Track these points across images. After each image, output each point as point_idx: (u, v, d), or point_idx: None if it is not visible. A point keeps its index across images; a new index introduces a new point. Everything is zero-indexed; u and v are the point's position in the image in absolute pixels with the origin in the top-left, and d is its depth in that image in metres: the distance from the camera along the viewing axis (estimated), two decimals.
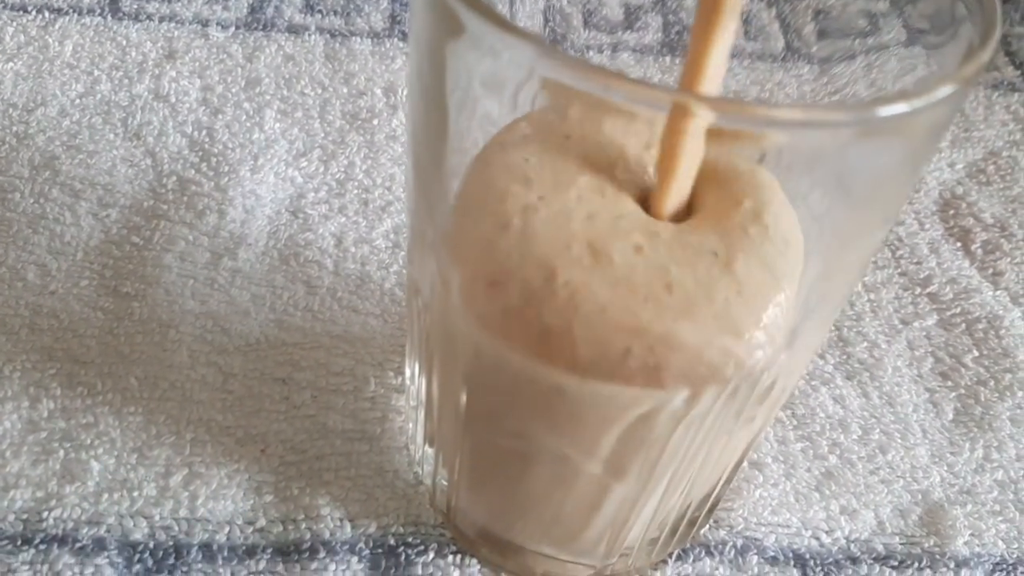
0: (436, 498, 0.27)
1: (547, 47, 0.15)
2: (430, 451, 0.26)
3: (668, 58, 0.42)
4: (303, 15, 0.44)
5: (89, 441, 0.29)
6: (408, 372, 0.28)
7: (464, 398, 0.23)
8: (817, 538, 0.29)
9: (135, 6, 0.43)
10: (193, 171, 0.36)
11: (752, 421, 0.23)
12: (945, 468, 0.31)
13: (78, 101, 0.39)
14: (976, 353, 0.35)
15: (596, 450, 0.22)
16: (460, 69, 0.18)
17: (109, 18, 0.43)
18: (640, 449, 0.22)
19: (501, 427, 0.23)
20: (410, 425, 0.29)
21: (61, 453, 0.28)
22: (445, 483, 0.26)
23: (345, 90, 0.41)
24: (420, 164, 0.22)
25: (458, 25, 0.16)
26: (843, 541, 0.29)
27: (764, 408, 0.22)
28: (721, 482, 0.26)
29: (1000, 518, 0.30)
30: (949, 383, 0.34)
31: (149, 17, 0.43)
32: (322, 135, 0.39)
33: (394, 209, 0.36)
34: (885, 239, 0.37)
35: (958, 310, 0.36)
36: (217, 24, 0.43)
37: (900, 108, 0.15)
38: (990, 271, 0.38)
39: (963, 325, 0.36)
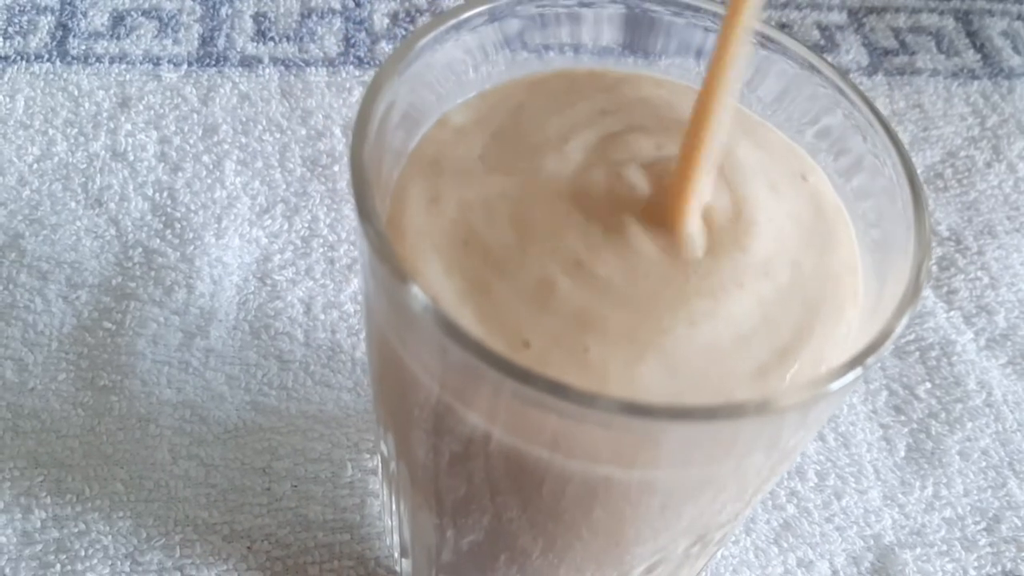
0: None
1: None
2: (407, 563, 0.28)
3: None
4: (255, 44, 0.44)
5: (83, 552, 0.30)
6: (383, 496, 0.29)
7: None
8: None
9: (83, 47, 0.43)
10: (158, 240, 0.37)
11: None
12: (896, 510, 0.33)
13: (36, 166, 0.39)
14: (929, 384, 0.36)
15: None
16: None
17: (58, 63, 0.42)
18: None
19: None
20: (387, 522, 0.30)
21: (58, 567, 0.30)
22: None
23: (303, 131, 0.41)
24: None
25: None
26: None
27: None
28: None
29: (947, 559, 0.32)
30: (903, 417, 0.35)
31: (99, 59, 0.42)
32: (284, 186, 0.39)
33: (360, 267, 0.37)
34: None
35: (912, 336, 0.37)
36: (169, 62, 0.42)
37: (805, 395, 0.16)
38: (944, 289, 0.39)
39: (917, 353, 0.37)
